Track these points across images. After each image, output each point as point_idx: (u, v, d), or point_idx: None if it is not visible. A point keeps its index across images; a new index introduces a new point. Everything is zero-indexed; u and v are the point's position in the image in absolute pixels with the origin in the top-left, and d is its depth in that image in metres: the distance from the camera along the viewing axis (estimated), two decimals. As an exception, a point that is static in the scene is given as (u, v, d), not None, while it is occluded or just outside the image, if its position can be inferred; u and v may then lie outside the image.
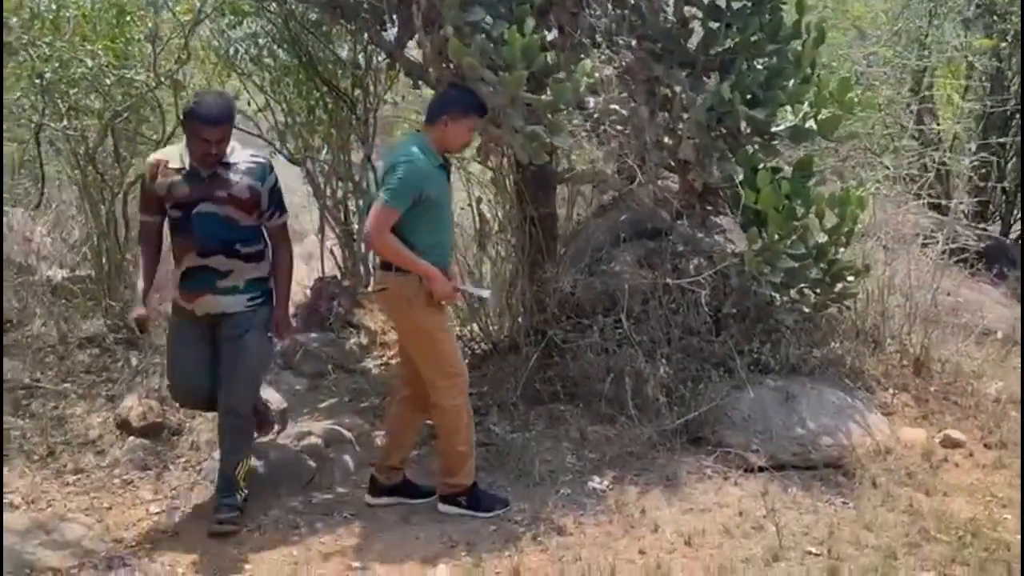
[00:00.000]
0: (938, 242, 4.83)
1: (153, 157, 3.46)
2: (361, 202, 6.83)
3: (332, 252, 6.94)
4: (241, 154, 3.44)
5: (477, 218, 5.25)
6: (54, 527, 3.17)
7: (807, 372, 4.41)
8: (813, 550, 3.13)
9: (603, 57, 4.14)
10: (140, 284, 3.55)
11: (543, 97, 3.70)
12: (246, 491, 3.45)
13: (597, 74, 3.96)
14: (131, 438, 3.97)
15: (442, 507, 3.55)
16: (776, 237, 4.29)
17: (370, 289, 3.55)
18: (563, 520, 3.38)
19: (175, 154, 3.39)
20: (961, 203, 5.08)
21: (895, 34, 7.46)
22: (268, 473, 3.66)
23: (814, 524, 3.34)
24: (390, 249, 3.30)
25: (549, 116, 3.74)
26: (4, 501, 3.39)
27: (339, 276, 6.47)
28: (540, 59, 3.73)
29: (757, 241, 4.25)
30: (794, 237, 4.34)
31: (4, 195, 5.84)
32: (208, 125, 3.23)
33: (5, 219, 6.11)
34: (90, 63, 4.36)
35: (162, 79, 4.79)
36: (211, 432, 4.02)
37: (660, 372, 4.11)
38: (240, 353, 3.38)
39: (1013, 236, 7.72)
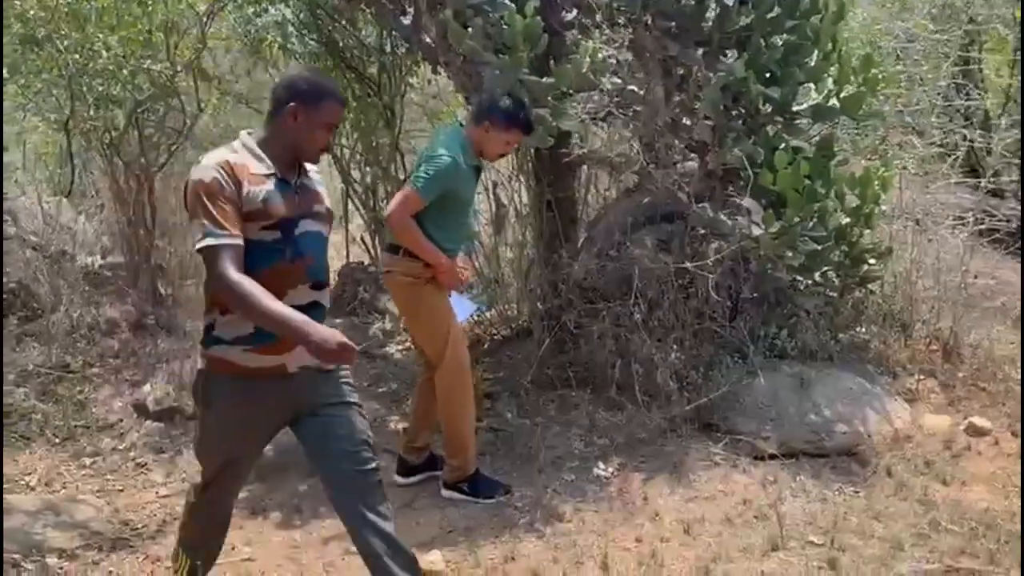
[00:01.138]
0: (969, 222, 4.64)
1: (219, 159, 2.28)
2: (390, 187, 6.89)
3: (361, 239, 7.01)
4: None
5: (493, 202, 5.24)
6: (64, 508, 3.25)
7: (826, 357, 4.30)
8: (815, 540, 3.06)
9: (604, 38, 4.05)
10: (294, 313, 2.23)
11: (544, 80, 3.65)
12: None
13: (602, 55, 3.89)
14: (148, 422, 4.06)
15: (445, 492, 3.57)
16: (795, 219, 4.20)
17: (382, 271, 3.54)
18: (563, 507, 3.36)
19: (247, 157, 2.33)
20: (992, 181, 4.84)
21: (940, 7, 7.18)
22: (277, 457, 3.70)
23: (820, 513, 3.26)
24: (407, 232, 3.31)
25: (550, 99, 3.68)
26: (22, 483, 3.51)
27: (365, 262, 6.52)
28: (543, 41, 3.68)
29: (774, 224, 4.16)
30: (814, 219, 4.24)
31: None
32: (340, 106, 2.39)
33: (47, 208, 6.30)
34: (106, 53, 4.42)
35: (180, 68, 4.84)
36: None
37: (671, 358, 4.05)
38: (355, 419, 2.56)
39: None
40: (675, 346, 4.12)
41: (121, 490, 3.57)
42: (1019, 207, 6.06)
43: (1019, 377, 4.58)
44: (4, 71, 4.64)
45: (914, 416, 4.09)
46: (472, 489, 3.52)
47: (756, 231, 5.02)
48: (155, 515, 3.37)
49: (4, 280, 5.30)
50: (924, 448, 3.83)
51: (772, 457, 3.71)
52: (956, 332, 4.63)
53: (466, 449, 3.51)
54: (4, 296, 5.20)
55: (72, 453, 3.83)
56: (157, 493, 3.56)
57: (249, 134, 2.40)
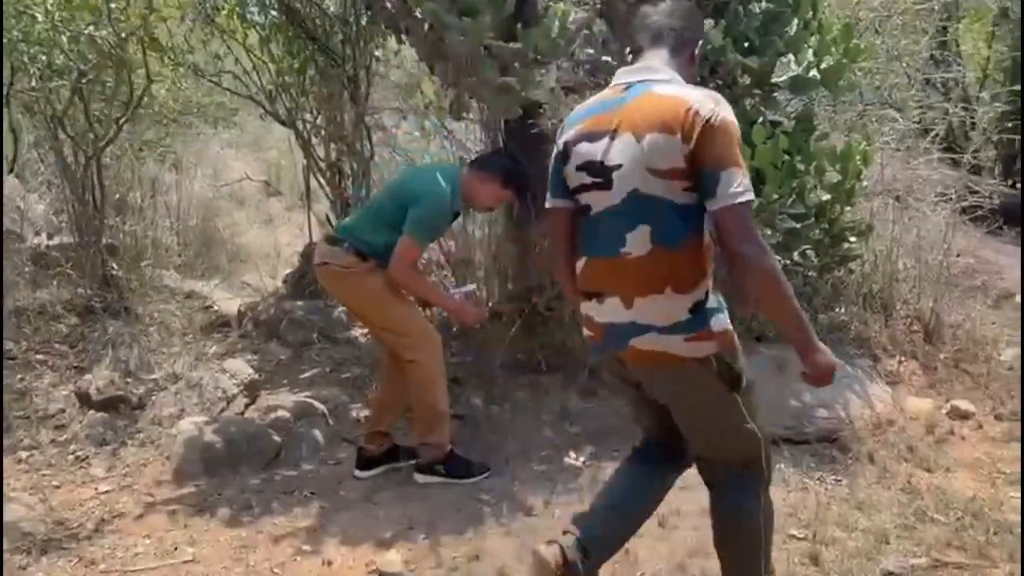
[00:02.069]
0: (951, 199, 4.50)
1: None
2: (355, 165, 6.63)
3: (327, 217, 6.76)
4: None
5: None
6: (-7, 508, 3.03)
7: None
8: (797, 533, 2.90)
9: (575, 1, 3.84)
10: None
11: (511, 45, 3.43)
12: None
13: (573, 19, 3.67)
14: (91, 412, 3.82)
15: (419, 477, 3.39)
16: (774, 196, 4.03)
17: (315, 263, 3.37)
18: (532, 499, 3.18)
19: None
20: (975, 157, 4.69)
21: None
22: (227, 450, 3.49)
23: (801, 504, 3.10)
24: (415, 285, 3.33)
25: (518, 67, 3.46)
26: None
27: (329, 241, 6.28)
28: (509, 3, 3.46)
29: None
30: (793, 196, 4.08)
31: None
32: None
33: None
34: (41, 18, 4.13)
35: (125, 36, 4.55)
36: (174, 406, 3.88)
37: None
38: None
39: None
40: (650, 328, 3.94)
41: (58, 486, 3.33)
42: (999, 183, 5.95)
43: (1001, 358, 4.47)
44: (3, 71, 4.36)
45: (896, 399, 3.96)
46: (450, 469, 3.34)
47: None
48: (92, 513, 3.14)
49: (3, 279, 5.05)
50: (907, 433, 3.70)
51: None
52: (937, 312, 4.50)
53: (442, 422, 3.35)
54: (2, 296, 4.94)
55: (8, 447, 3.58)
56: (96, 489, 3.32)
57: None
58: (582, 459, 3.47)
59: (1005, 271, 5.56)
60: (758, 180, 4.08)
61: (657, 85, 2.03)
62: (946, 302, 4.56)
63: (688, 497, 3.10)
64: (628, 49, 4.21)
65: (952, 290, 4.64)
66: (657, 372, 2.08)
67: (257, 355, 5.07)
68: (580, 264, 2.14)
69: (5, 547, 2.81)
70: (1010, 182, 6.95)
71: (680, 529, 2.94)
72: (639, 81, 2.07)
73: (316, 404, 4.04)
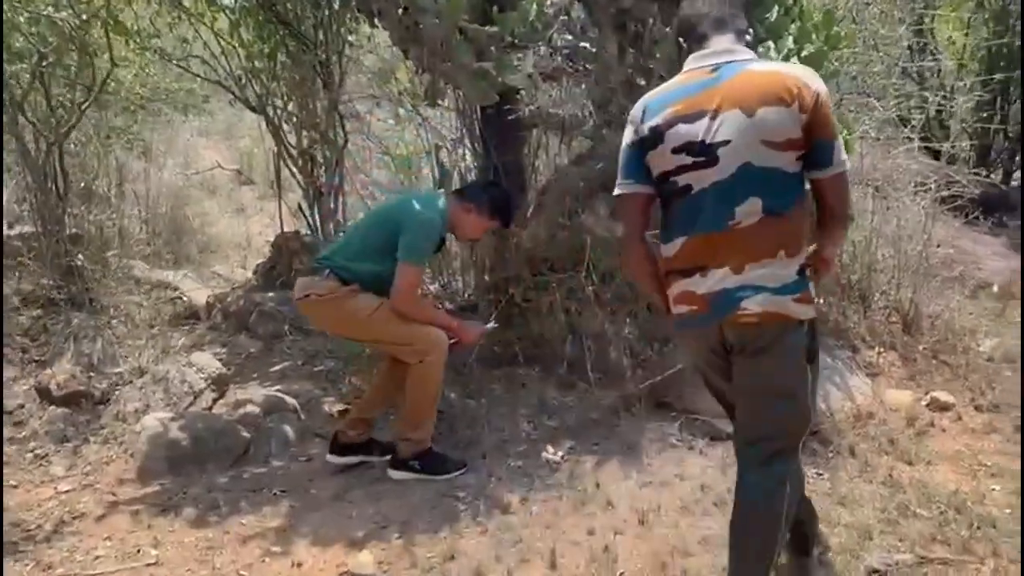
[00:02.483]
0: (930, 189, 4.46)
1: None
2: (328, 153, 6.50)
3: (299, 207, 6.62)
4: None
5: (436, 167, 4.91)
6: (-54, 510, 2.90)
7: (786, 330, 4.09)
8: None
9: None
10: None
11: (487, 28, 3.33)
12: None
13: (550, 9, 3.58)
14: (52, 407, 3.69)
15: (394, 473, 3.29)
16: None
17: (296, 298, 3.28)
18: (509, 496, 3.09)
19: None
20: (953, 147, 4.66)
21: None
22: (193, 447, 3.37)
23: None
24: (419, 312, 3.24)
25: (494, 51, 3.36)
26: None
27: (302, 231, 6.14)
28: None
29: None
30: None
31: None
32: None
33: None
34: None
35: (87, 18, 4.39)
36: (139, 401, 3.75)
37: (625, 332, 3.79)
38: None
39: (1014, 184, 7.34)
40: (629, 320, 3.87)
41: (15, 486, 3.20)
42: (974, 172, 5.94)
43: (980, 349, 4.45)
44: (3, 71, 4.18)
45: (876, 391, 3.92)
46: (425, 466, 3.25)
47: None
48: (51, 513, 3.02)
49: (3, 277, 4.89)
50: (887, 425, 3.65)
51: (730, 437, 3.48)
52: (917, 303, 4.47)
53: (428, 421, 3.29)
54: (2, 295, 4.78)
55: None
56: (56, 489, 3.20)
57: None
58: (560, 454, 3.39)
59: (982, 261, 5.55)
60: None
61: (750, 64, 2.13)
62: (925, 292, 4.52)
63: (669, 493, 3.06)
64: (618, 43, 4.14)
65: (931, 280, 4.60)
66: (764, 333, 2.11)
67: (226, 348, 4.94)
68: (676, 244, 2.17)
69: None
70: (985, 172, 6.96)
71: (661, 527, 2.87)
72: (727, 62, 2.14)
73: (287, 399, 3.93)
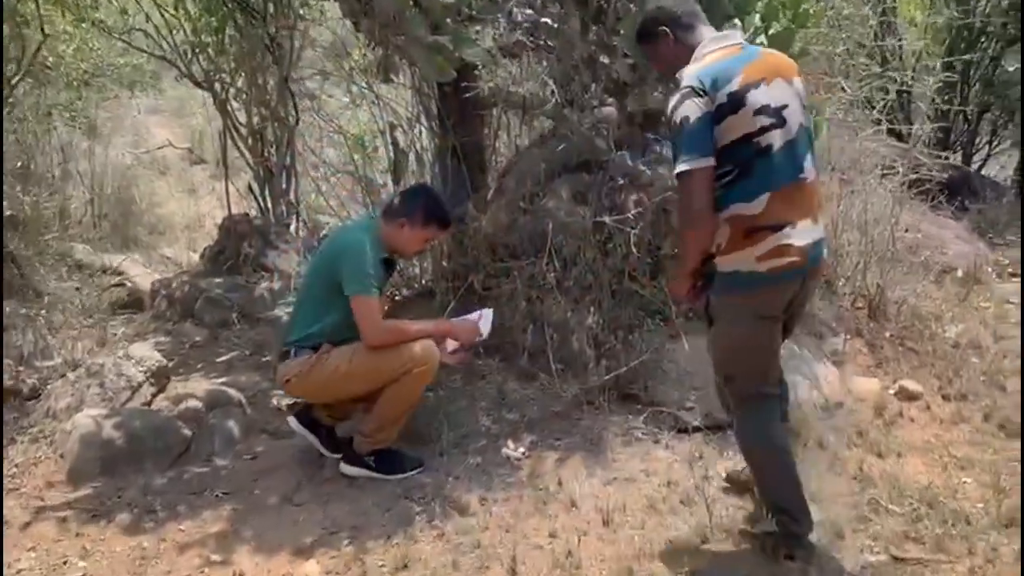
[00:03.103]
0: (898, 172, 4.36)
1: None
2: (279, 131, 6.25)
3: (248, 187, 6.37)
4: None
5: (391, 147, 4.69)
6: None
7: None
8: (748, 528, 2.72)
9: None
10: None
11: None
12: None
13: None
14: (-24, 406, 3.44)
15: (347, 469, 3.12)
16: None
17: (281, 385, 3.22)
18: (467, 497, 2.93)
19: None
20: (918, 129, 4.57)
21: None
22: (128, 446, 3.16)
23: (751, 495, 2.93)
24: (391, 335, 2.99)
25: (450, 23, 3.17)
26: None
27: (250, 213, 5.90)
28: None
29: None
30: None
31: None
32: None
33: None
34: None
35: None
36: (72, 397, 3.51)
37: (588, 321, 3.64)
38: None
39: (975, 166, 7.33)
40: (592, 309, 3.72)
41: (-68, 491, 2.97)
42: (941, 156, 5.88)
43: (946, 335, 4.39)
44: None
45: (843, 380, 3.83)
46: (380, 463, 3.09)
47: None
48: (-29, 523, 2.79)
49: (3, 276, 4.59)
50: (855, 416, 3.57)
51: (697, 430, 3.37)
52: (883, 289, 4.39)
53: (397, 426, 3.11)
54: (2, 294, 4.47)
55: None
56: (-23, 496, 2.97)
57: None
58: (521, 449, 3.24)
59: (947, 245, 5.51)
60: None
61: (756, 46, 2.53)
62: (891, 278, 4.44)
63: (634, 491, 2.92)
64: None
65: (897, 266, 4.52)
66: (817, 284, 2.57)
67: (170, 337, 4.71)
68: (761, 200, 2.30)
69: None
70: (946, 155, 6.91)
71: (626, 527, 2.74)
72: (743, 43, 2.45)
73: (231, 392, 3.72)
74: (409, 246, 3.19)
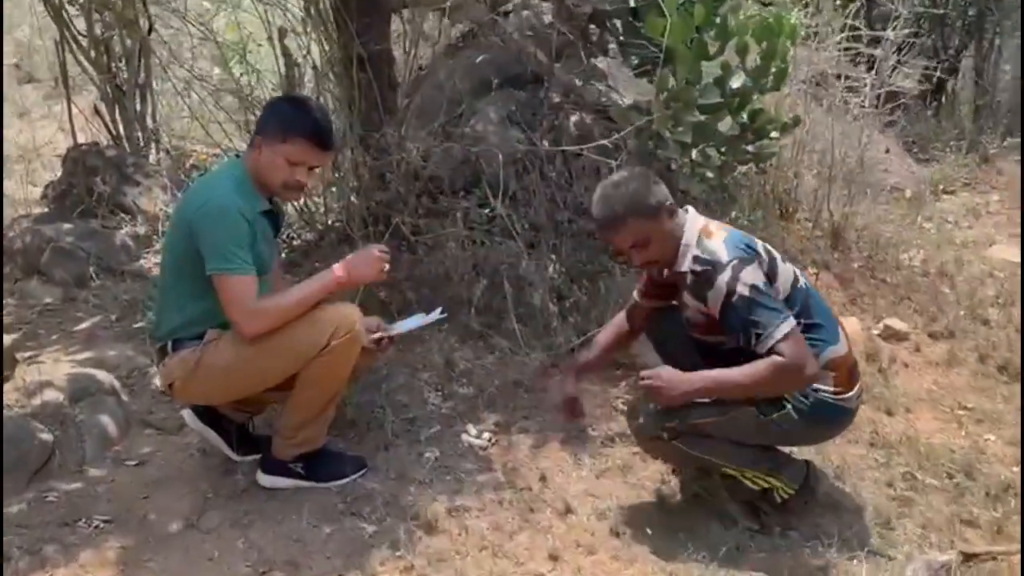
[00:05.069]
0: (866, 86, 3.91)
1: None
2: (128, 41, 5.20)
3: (95, 109, 5.31)
4: None
5: (281, 58, 3.84)
6: None
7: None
8: (779, 525, 2.25)
9: None
10: None
11: None
12: None
13: None
14: None
15: (266, 480, 2.43)
16: (686, 81, 3.31)
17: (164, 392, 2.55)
18: (431, 507, 2.30)
19: None
20: (898, 35, 4.12)
21: None
22: None
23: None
24: (268, 317, 2.21)
25: None
26: None
27: (101, 142, 4.89)
28: None
29: (668, 87, 3.22)
30: (708, 81, 3.37)
31: None
32: None
33: None
34: None
35: None
36: None
37: (549, 271, 3.03)
38: None
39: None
40: (552, 255, 3.11)
41: None
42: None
43: (912, 264, 4.07)
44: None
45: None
46: (310, 469, 2.41)
47: (620, 99, 4.12)
48: None
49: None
50: (849, 365, 3.16)
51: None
52: (848, 215, 4.00)
53: (324, 420, 2.42)
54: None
55: None
56: None
57: None
58: (486, 434, 2.64)
59: (887, 163, 5.19)
60: (669, 61, 3.33)
61: None
62: (853, 204, 4.06)
63: (635, 484, 2.39)
64: None
65: (860, 190, 4.14)
66: None
67: (12, 300, 3.77)
68: (841, 337, 2.27)
69: None
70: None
71: (640, 537, 2.20)
72: None
73: (100, 375, 2.91)
74: (271, 173, 2.27)
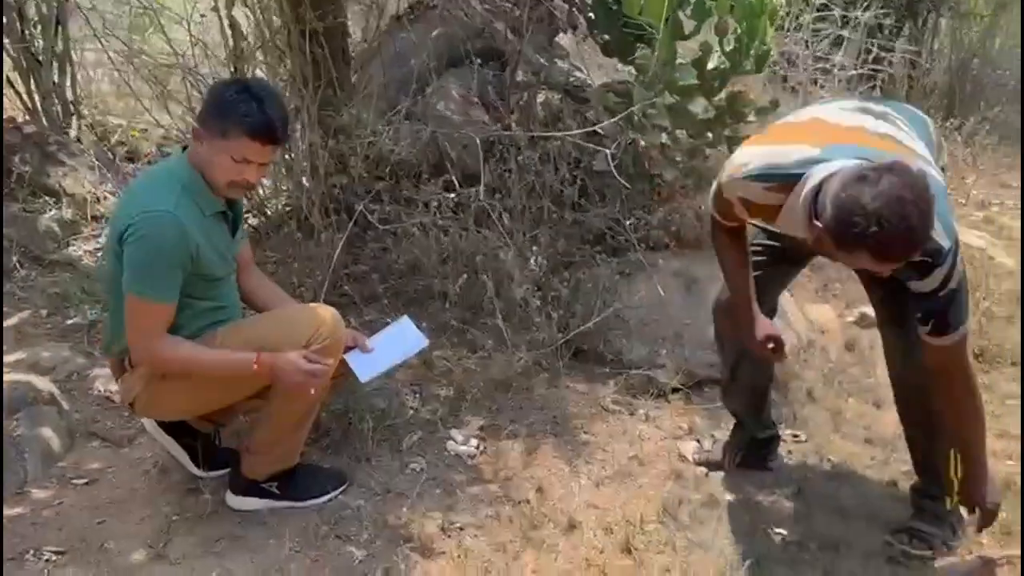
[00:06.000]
0: (840, 67, 3.85)
1: None
2: (45, 7, 4.76)
3: (8, 80, 4.86)
4: None
5: (228, 31, 3.52)
6: None
7: (694, 244, 3.37)
8: (783, 532, 2.16)
9: None
10: None
11: None
12: None
13: None
14: None
15: (237, 503, 2.21)
16: (663, 61, 3.19)
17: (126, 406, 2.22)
18: (423, 525, 2.13)
19: None
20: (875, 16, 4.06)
21: None
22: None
23: (776, 486, 2.36)
24: (179, 362, 1.98)
25: None
26: None
27: (20, 119, 4.48)
28: None
29: (649, 68, 3.09)
30: (685, 61, 3.25)
31: None
32: None
33: None
34: None
35: None
36: None
37: (531, 262, 2.85)
38: None
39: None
40: (532, 244, 2.93)
41: None
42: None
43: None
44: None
45: (802, 311, 3.36)
46: (287, 490, 2.20)
47: (584, 78, 3.98)
48: None
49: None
50: (830, 356, 3.14)
51: (675, 390, 2.76)
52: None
53: (300, 437, 2.19)
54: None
55: None
56: None
57: None
58: (473, 442, 2.47)
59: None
60: (631, 41, 3.22)
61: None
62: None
63: (637, 493, 2.27)
64: None
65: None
66: None
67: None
68: None
69: None
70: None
71: (652, 553, 2.07)
72: None
73: (36, 381, 2.63)
74: (214, 172, 1.99)
